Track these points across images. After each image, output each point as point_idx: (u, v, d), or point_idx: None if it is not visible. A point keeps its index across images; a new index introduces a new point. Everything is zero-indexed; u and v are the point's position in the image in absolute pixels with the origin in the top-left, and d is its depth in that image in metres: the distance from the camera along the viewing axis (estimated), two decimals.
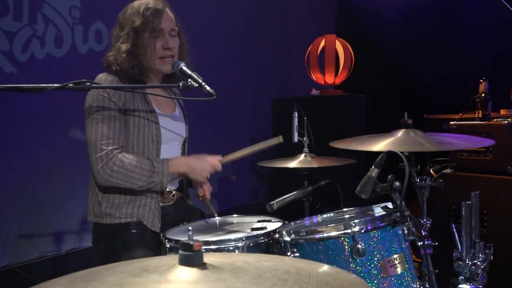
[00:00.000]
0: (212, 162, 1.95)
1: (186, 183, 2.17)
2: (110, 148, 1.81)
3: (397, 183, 1.54)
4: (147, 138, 1.92)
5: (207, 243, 1.64)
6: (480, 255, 1.49)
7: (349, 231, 1.48)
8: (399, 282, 1.49)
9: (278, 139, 2.00)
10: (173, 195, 2.04)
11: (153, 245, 1.88)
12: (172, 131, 2.03)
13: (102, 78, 1.89)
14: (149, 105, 1.95)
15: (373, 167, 1.63)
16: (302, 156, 2.29)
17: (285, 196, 2.03)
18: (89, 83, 1.64)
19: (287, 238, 1.57)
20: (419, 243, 1.58)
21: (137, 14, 1.89)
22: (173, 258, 0.84)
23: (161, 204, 1.97)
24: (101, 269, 0.87)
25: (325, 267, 0.88)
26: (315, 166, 2.18)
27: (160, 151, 1.96)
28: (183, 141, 2.15)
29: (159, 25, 1.90)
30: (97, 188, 1.90)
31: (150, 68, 1.97)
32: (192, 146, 2.42)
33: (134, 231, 1.88)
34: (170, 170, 1.88)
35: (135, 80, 1.94)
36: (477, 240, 1.50)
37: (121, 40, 1.91)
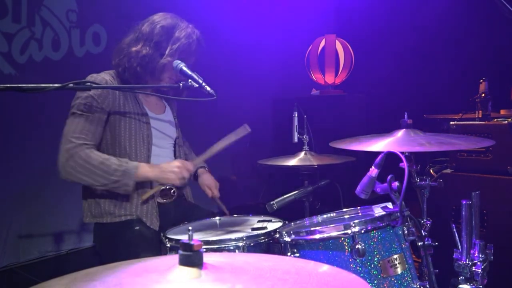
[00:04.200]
0: (181, 165, 1.94)
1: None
2: (80, 142, 1.81)
3: (397, 183, 1.55)
4: (138, 139, 1.92)
5: (208, 242, 1.64)
6: (480, 255, 1.49)
7: (349, 231, 1.48)
8: (399, 282, 1.49)
9: (246, 129, 2.02)
10: (174, 192, 2.04)
11: (154, 242, 1.90)
12: (163, 131, 2.04)
13: (93, 78, 1.89)
14: (140, 106, 1.95)
15: (373, 167, 1.63)
16: (302, 154, 2.29)
17: (285, 196, 2.03)
18: (89, 83, 1.65)
19: (287, 239, 1.57)
20: (419, 243, 1.58)
21: (190, 41, 1.97)
22: (173, 258, 0.84)
23: (161, 201, 1.99)
24: (101, 269, 0.87)
25: (325, 267, 0.88)
26: (315, 164, 2.18)
27: (151, 152, 1.98)
28: (174, 142, 2.15)
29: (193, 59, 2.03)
30: (94, 188, 1.90)
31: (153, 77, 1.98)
32: (192, 146, 2.42)
33: (137, 228, 1.90)
34: (138, 174, 1.86)
35: (132, 82, 1.94)
36: (477, 240, 1.50)
37: (159, 51, 1.93)
